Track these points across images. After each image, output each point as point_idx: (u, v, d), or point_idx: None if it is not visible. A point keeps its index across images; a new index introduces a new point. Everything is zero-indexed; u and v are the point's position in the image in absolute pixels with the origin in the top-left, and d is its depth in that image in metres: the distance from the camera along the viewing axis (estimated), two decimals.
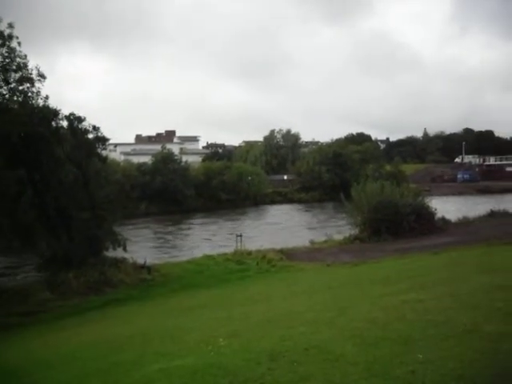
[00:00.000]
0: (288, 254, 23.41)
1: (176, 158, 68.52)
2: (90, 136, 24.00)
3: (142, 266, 22.45)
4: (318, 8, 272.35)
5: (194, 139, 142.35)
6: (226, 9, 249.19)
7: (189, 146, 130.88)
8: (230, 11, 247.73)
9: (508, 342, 5.62)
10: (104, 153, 26.06)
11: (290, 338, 6.88)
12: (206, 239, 38.82)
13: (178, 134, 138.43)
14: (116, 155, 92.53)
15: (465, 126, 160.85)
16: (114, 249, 23.15)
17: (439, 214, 30.11)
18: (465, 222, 30.51)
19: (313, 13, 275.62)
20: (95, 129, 23.85)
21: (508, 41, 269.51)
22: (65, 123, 23.18)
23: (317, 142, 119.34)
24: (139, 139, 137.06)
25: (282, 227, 44.92)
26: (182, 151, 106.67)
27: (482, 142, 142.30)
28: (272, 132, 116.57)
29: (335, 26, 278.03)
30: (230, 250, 25.65)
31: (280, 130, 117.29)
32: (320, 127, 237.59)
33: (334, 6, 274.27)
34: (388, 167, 78.96)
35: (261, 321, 8.90)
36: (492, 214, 32.49)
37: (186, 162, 70.21)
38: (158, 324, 11.73)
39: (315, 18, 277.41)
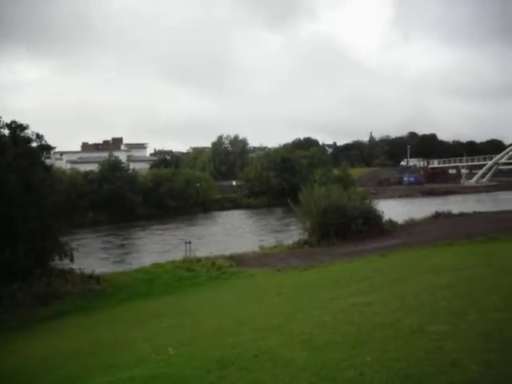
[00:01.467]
0: (238, 260, 23.38)
1: (123, 165, 67.74)
2: (34, 144, 23.45)
3: (90, 276, 22.04)
4: (261, 12, 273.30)
5: (142, 146, 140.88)
6: (170, 14, 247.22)
7: (136, 153, 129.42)
8: (174, 17, 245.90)
9: (450, 341, 5.75)
10: (49, 161, 25.47)
11: (240, 345, 6.87)
12: (155, 247, 38.46)
13: (125, 141, 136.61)
14: (62, 164, 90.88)
15: (409, 130, 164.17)
16: (61, 259, 22.67)
17: (386, 217, 30.54)
18: (411, 224, 31.02)
19: (257, 17, 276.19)
20: (39, 137, 23.28)
21: (448, 47, 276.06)
22: (6, 131, 22.62)
23: (265, 148, 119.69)
24: (86, 147, 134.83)
25: (231, 233, 44.86)
26: (130, 158, 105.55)
27: (426, 145, 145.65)
28: (220, 138, 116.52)
29: (279, 30, 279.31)
30: (179, 257, 25.44)
31: (228, 135, 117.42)
32: (267, 132, 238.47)
33: (278, 10, 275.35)
34: (335, 171, 79.77)
35: (211, 328, 8.87)
36: (437, 216, 33.17)
37: (133, 169, 69.49)
38: (106, 335, 11.54)
39: (259, 22, 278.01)
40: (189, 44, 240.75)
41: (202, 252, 26.20)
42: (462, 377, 4.71)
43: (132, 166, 73.04)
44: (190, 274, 21.67)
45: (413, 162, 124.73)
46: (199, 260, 23.84)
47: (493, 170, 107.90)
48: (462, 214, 33.97)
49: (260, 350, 6.43)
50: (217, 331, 8.45)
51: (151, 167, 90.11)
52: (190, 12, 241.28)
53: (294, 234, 31.33)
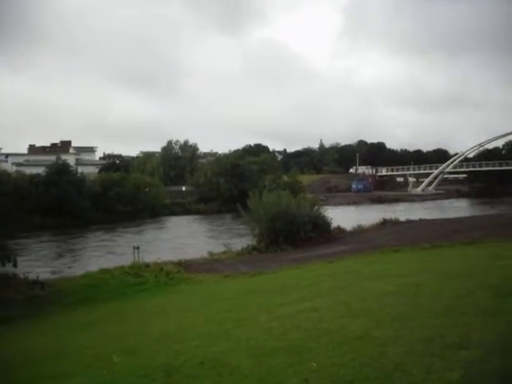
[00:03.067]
0: (186, 266, 23.24)
1: (72, 169, 66.60)
2: None
3: (35, 282, 21.56)
4: (212, 15, 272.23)
5: (91, 150, 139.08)
6: (120, 16, 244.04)
7: (85, 156, 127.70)
8: (124, 19, 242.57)
9: (394, 346, 5.84)
10: None
11: (186, 352, 6.82)
12: (103, 252, 37.92)
13: (73, 144, 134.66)
14: (7, 166, 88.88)
15: (359, 138, 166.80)
16: (4, 265, 22.09)
17: (335, 224, 30.87)
18: (359, 231, 31.41)
19: (208, 20, 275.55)
20: None
21: (395, 58, 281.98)
22: None
23: (215, 153, 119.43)
24: (33, 150, 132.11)
25: (180, 239, 44.58)
26: (78, 162, 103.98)
27: (375, 153, 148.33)
28: (169, 143, 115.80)
29: (229, 35, 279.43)
30: (127, 262, 25.13)
31: (178, 140, 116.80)
32: (218, 138, 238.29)
33: (229, 14, 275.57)
34: (285, 178, 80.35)
35: (157, 335, 8.78)
36: (384, 223, 33.68)
37: (82, 173, 68.45)
38: (49, 343, 11.29)
39: (211, 25, 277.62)
40: (138, 46, 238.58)
41: (150, 257, 25.94)
42: (404, 381, 4.78)
43: (81, 169, 71.91)
44: (138, 279, 21.41)
45: (362, 169, 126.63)
46: (147, 266, 23.59)
47: (438, 178, 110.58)
48: (408, 222, 34.60)
49: (206, 357, 6.39)
50: (163, 338, 8.37)
51: (100, 171, 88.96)
52: (140, 14, 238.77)
53: (243, 239, 31.35)
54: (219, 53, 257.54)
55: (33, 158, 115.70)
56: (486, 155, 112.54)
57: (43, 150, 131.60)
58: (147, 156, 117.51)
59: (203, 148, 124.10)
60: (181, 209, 74.46)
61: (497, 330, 6.10)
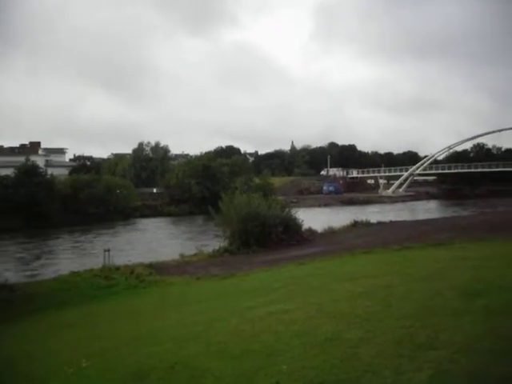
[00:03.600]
0: (157, 269, 23.08)
1: (41, 170, 65.77)
2: None
3: (3, 285, 21.25)
4: (182, 18, 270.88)
5: (61, 151, 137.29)
6: (89, 17, 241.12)
7: (55, 158, 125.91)
8: (94, 20, 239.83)
9: (364, 347, 5.88)
10: None
11: (157, 355, 6.78)
12: (73, 255, 37.54)
13: (43, 145, 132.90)
14: None
15: (330, 140, 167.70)
16: None
17: (306, 225, 30.96)
18: (330, 233, 31.55)
19: (177, 23, 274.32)
20: None
21: (367, 61, 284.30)
22: None
23: (186, 155, 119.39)
24: (1, 151, 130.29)
25: (151, 241, 44.32)
26: (48, 163, 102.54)
27: (346, 155, 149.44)
28: (141, 144, 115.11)
29: (201, 37, 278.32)
30: (97, 265, 24.88)
31: (149, 142, 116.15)
32: (189, 140, 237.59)
33: (200, 16, 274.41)
34: (257, 180, 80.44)
35: (127, 338, 8.70)
36: (355, 225, 33.89)
37: (51, 174, 67.63)
38: (18, 347, 11.12)
39: (180, 28, 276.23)
40: (109, 47, 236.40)
41: (121, 260, 25.72)
42: (375, 383, 4.82)
43: (50, 171, 71.00)
44: (109, 282, 21.21)
45: (333, 171, 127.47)
46: (118, 268, 23.37)
47: (409, 180, 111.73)
48: (379, 223, 34.90)
49: (177, 361, 6.37)
50: (133, 341, 8.30)
51: (71, 173, 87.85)
52: (110, 15, 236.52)
53: (214, 241, 31.28)
54: (191, 55, 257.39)
55: (1, 159, 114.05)
56: (455, 158, 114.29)
57: (12, 151, 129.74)
58: (118, 158, 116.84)
59: (175, 150, 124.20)
60: (152, 211, 74.04)
61: (465, 330, 6.19)
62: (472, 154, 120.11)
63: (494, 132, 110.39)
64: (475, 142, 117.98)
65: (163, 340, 7.84)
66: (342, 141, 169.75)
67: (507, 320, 6.50)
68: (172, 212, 73.67)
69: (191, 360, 6.30)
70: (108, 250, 26.37)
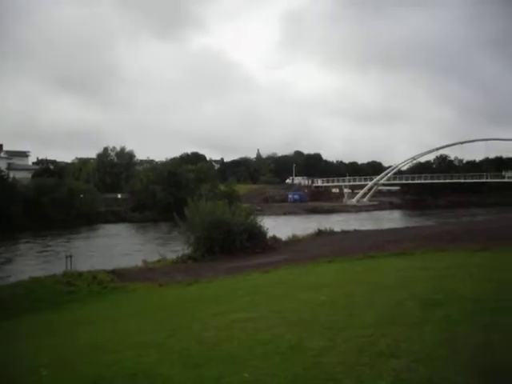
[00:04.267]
0: (120, 275, 22.86)
1: (3, 173, 64.75)
2: None
3: None
4: (149, 21, 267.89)
5: (24, 154, 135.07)
6: (52, 18, 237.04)
7: (18, 161, 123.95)
8: (56, 20, 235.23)
9: (327, 356, 5.93)
10: None
11: (118, 363, 6.71)
12: (34, 260, 36.98)
13: (5, 148, 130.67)
14: None
15: (295, 149, 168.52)
16: None
17: (271, 233, 31.01)
18: (294, 241, 31.62)
19: (143, 25, 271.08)
20: None
21: (332, 70, 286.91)
22: None
23: (152, 161, 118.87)
24: None
25: (114, 247, 43.93)
26: (10, 167, 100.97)
27: (311, 164, 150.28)
28: (106, 149, 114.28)
29: (167, 40, 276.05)
30: (59, 271, 24.53)
31: (114, 147, 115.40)
32: (155, 146, 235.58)
33: (167, 20, 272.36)
34: (222, 187, 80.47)
35: (88, 346, 8.59)
36: (319, 233, 34.03)
37: (14, 177, 66.61)
38: None
39: (145, 30, 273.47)
40: (73, 50, 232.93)
41: (83, 266, 25.41)
42: None
43: (13, 174, 69.98)
44: (70, 288, 20.91)
45: (298, 180, 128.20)
46: (80, 274, 23.07)
47: (373, 190, 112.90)
48: (343, 232, 35.06)
49: (138, 368, 6.31)
50: (94, 349, 8.19)
51: (33, 176, 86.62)
52: (74, 16, 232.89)
53: (178, 248, 31.11)
54: (157, 58, 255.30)
55: None
56: (418, 168, 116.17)
57: None
58: (82, 162, 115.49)
59: (140, 155, 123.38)
60: (116, 217, 73.42)
61: (425, 339, 6.28)
62: (435, 165, 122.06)
63: (456, 144, 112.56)
64: (438, 153, 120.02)
65: (124, 348, 7.76)
66: (307, 150, 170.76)
67: (466, 329, 6.62)
68: (136, 218, 73.11)
69: (153, 368, 6.26)
70: (70, 256, 26.04)
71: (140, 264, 26.34)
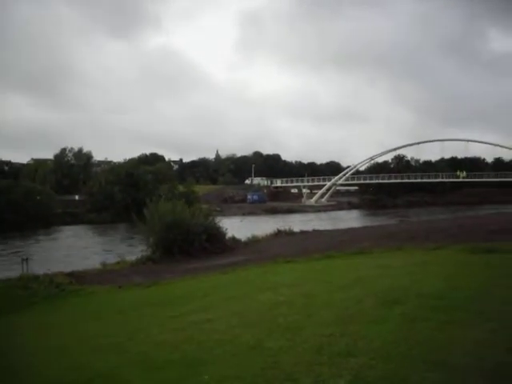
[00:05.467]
0: (78, 277, 22.54)
1: None
2: None
3: None
4: (104, 19, 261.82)
5: None
6: (6, 15, 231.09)
7: None
8: (6, 18, 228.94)
9: (285, 356, 5.95)
10: None
11: (76, 368, 6.64)
12: None
13: None
14: None
15: (254, 150, 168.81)
16: None
17: (230, 234, 30.99)
18: (253, 241, 31.64)
19: (99, 24, 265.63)
20: None
21: (289, 71, 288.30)
22: None
23: (110, 162, 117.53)
24: None
25: (72, 249, 43.27)
26: None
27: (270, 164, 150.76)
28: (63, 150, 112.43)
29: (124, 40, 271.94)
30: (15, 274, 24.06)
31: (72, 148, 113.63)
32: (113, 146, 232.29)
33: (121, 19, 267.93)
34: (181, 188, 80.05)
35: (45, 350, 8.46)
36: (278, 233, 34.14)
37: None
38: None
39: (102, 29, 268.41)
40: (28, 49, 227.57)
41: (40, 269, 24.97)
42: None
43: None
44: (26, 292, 20.55)
45: (257, 180, 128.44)
46: (37, 277, 22.64)
47: (331, 190, 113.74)
48: (301, 232, 35.22)
49: (97, 372, 6.25)
50: (51, 353, 8.07)
51: None
52: (29, 14, 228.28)
53: (137, 250, 30.86)
54: (114, 59, 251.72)
55: None
56: (376, 168, 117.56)
57: None
58: (39, 163, 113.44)
59: (98, 156, 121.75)
60: (73, 218, 72.24)
61: (383, 337, 6.35)
62: (392, 166, 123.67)
63: (413, 144, 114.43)
64: (395, 153, 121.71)
65: (82, 352, 7.67)
66: (266, 150, 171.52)
67: (423, 327, 6.72)
68: (94, 220, 72.09)
69: (112, 372, 6.20)
70: (26, 259, 25.56)
71: (98, 266, 26.03)
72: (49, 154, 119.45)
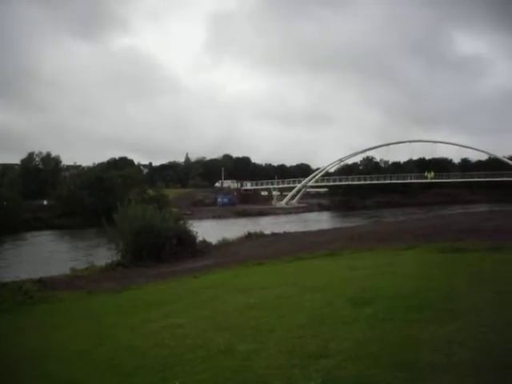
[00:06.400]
0: (47, 284, 22.20)
1: None
2: None
3: None
4: (68, 19, 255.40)
5: None
6: None
7: None
8: None
9: (257, 359, 5.94)
10: None
11: (44, 376, 6.55)
12: None
13: None
14: None
15: (224, 152, 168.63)
16: None
17: (200, 237, 30.87)
18: (224, 245, 31.57)
19: (63, 24, 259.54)
20: None
21: (258, 73, 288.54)
22: None
23: (78, 166, 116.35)
24: None
25: (41, 255, 42.69)
26: None
27: (240, 167, 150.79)
28: (31, 155, 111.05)
29: (89, 42, 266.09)
30: None
31: (40, 152, 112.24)
32: (82, 151, 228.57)
33: (87, 20, 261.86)
34: (151, 191, 79.61)
35: (10, 358, 8.31)
36: (249, 236, 34.09)
37: None
38: None
39: (66, 29, 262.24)
40: None
41: (7, 276, 24.64)
42: None
43: None
44: None
45: (227, 183, 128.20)
46: (4, 285, 22.30)
47: (301, 192, 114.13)
48: (272, 234, 35.23)
49: (66, 380, 6.17)
50: (17, 362, 7.93)
51: None
52: None
53: (107, 255, 30.58)
54: (80, 61, 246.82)
55: None
56: (346, 170, 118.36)
57: None
58: (5, 168, 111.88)
59: (66, 161, 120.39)
60: (42, 223, 71.29)
61: (354, 338, 6.39)
62: (362, 167, 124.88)
63: (381, 146, 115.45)
64: (365, 155, 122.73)
65: (52, 359, 7.56)
66: (236, 153, 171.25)
67: (393, 327, 6.77)
68: (63, 225, 71.22)
69: (80, 379, 6.13)
70: None
71: (68, 272, 25.72)
72: (15, 159, 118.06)
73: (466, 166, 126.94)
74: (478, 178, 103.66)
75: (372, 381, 4.98)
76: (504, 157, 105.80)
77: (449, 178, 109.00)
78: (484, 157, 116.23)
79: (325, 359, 5.70)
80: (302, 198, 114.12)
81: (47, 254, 43.14)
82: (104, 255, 31.71)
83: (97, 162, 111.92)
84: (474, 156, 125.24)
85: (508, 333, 6.26)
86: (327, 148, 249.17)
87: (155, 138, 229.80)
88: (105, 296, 17.24)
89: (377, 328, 6.76)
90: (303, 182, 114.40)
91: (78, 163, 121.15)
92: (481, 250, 14.81)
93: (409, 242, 18.72)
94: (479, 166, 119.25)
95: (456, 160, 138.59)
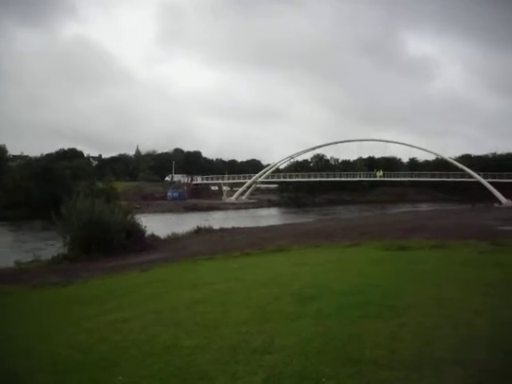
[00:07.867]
0: None
1: None
2: None
3: None
4: (10, 5, 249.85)
5: None
6: None
7: None
8: None
9: (201, 355, 5.95)
10: None
11: None
12: None
13: None
14: None
15: (175, 146, 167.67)
16: None
17: (149, 231, 30.65)
18: (173, 239, 31.45)
19: (5, 11, 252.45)
20: None
21: (210, 68, 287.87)
22: None
23: (26, 157, 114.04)
24: None
25: None
26: None
27: (191, 162, 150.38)
28: None
29: (34, 29, 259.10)
30: None
31: None
32: (29, 141, 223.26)
33: (31, 5, 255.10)
34: (100, 184, 78.58)
35: None
36: (198, 231, 34.06)
37: None
38: None
39: (9, 17, 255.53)
40: None
41: None
42: None
43: None
44: None
45: (177, 177, 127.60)
46: None
47: (251, 188, 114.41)
48: (221, 230, 35.30)
49: (7, 378, 6.04)
50: None
51: None
52: None
53: (53, 248, 30.05)
54: (24, 48, 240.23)
55: None
56: (296, 167, 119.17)
57: None
58: None
59: (13, 151, 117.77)
60: None
61: (299, 334, 6.45)
62: (312, 164, 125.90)
63: (332, 143, 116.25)
64: (315, 152, 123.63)
65: None
66: (187, 147, 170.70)
67: (338, 323, 6.87)
68: (9, 216, 69.60)
69: (22, 376, 6.01)
70: None
71: (12, 265, 25.18)
72: None
73: (413, 165, 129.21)
74: (425, 177, 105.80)
75: (316, 376, 5.05)
76: (450, 157, 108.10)
77: (397, 177, 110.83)
78: (431, 157, 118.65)
79: (270, 355, 5.75)
80: (252, 194, 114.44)
81: None
82: (51, 248, 31.15)
83: (45, 153, 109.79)
84: (423, 156, 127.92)
85: (448, 328, 6.42)
86: (278, 145, 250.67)
87: (105, 130, 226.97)
88: (49, 290, 16.93)
89: (322, 324, 6.85)
90: (253, 178, 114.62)
91: (25, 153, 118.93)
92: (425, 248, 15.16)
93: (355, 239, 19.01)
94: (426, 166, 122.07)
95: (405, 159, 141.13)
